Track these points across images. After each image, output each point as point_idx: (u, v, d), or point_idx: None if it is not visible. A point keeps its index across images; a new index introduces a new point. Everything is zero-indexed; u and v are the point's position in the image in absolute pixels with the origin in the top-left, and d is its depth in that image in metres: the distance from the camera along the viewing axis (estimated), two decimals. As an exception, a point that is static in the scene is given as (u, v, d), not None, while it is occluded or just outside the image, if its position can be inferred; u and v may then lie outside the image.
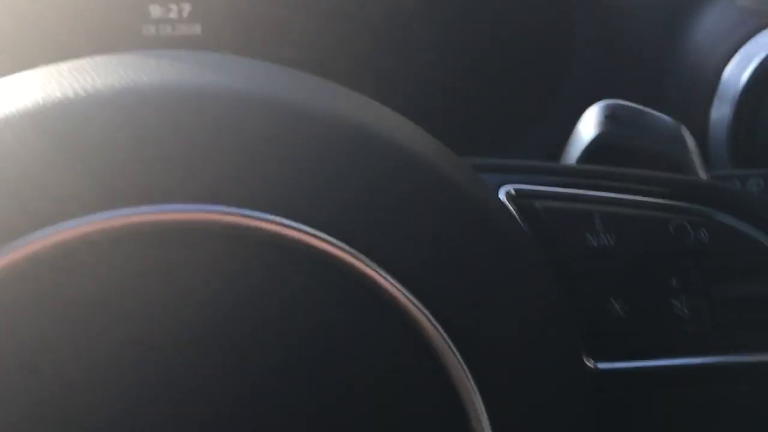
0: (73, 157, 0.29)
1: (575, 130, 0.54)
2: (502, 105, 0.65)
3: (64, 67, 0.33)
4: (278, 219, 0.30)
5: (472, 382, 0.33)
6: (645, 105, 0.54)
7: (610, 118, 0.53)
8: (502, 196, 0.42)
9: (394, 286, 0.32)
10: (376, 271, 0.31)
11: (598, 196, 0.42)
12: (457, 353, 0.33)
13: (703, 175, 0.52)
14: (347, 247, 0.31)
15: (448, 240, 0.34)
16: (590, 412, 0.38)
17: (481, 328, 0.34)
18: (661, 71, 0.64)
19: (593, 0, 0.65)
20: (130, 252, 0.29)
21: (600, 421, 0.39)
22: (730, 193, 0.43)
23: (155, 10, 0.64)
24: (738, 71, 0.60)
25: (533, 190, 0.42)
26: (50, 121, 0.30)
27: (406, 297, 0.32)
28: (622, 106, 0.53)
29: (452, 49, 0.65)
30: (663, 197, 0.43)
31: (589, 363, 0.39)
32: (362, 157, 0.32)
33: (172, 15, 0.64)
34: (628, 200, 0.42)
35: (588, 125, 0.53)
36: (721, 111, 0.61)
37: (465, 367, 0.33)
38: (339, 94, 0.35)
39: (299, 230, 0.30)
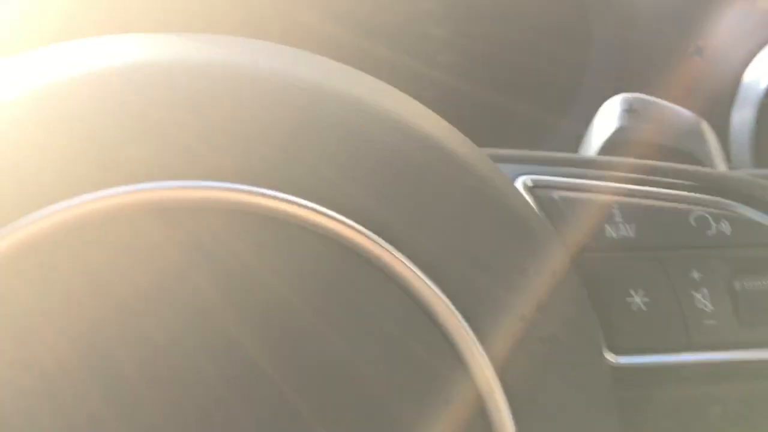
0: (73, 137, 0.28)
1: (593, 123, 0.53)
2: (522, 103, 0.65)
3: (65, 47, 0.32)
4: (302, 201, 0.29)
5: (492, 373, 0.32)
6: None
7: (629, 112, 0.52)
8: (519, 186, 0.41)
9: (415, 273, 0.31)
10: (394, 255, 0.31)
11: (617, 188, 0.41)
12: (477, 343, 0.32)
13: (723, 168, 0.51)
14: (364, 230, 0.30)
15: (463, 224, 0.33)
16: (611, 407, 0.37)
17: (499, 316, 0.33)
18: (681, 75, 0.63)
19: (610, 3, 0.65)
20: (137, 229, 0.29)
21: (621, 416, 0.38)
22: (751, 185, 0.42)
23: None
24: (759, 74, 0.59)
25: (551, 181, 0.42)
26: (61, 98, 0.29)
27: (426, 284, 0.31)
28: (642, 99, 0.53)
29: (472, 50, 0.65)
30: (683, 189, 0.42)
31: (610, 357, 0.38)
32: (378, 139, 0.32)
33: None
34: (648, 192, 0.42)
35: (607, 119, 0.53)
36: (742, 114, 0.60)
37: (485, 358, 0.32)
38: (352, 75, 0.35)
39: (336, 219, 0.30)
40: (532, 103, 0.64)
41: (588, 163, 0.43)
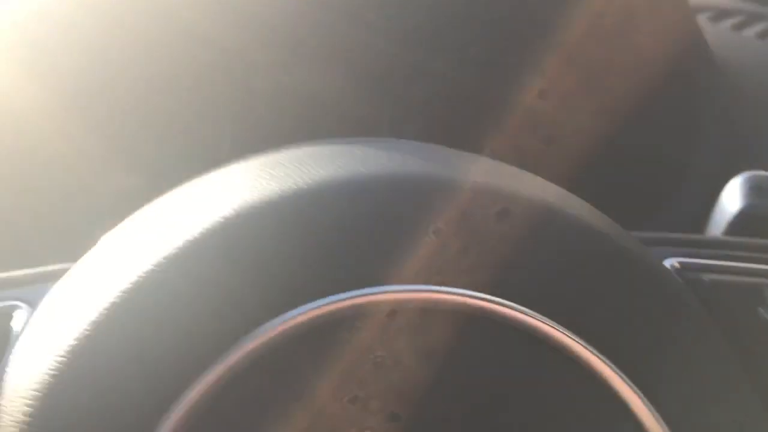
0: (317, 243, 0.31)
1: (719, 201, 0.54)
2: (634, 182, 0.66)
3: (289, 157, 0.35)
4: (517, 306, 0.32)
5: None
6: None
7: (755, 189, 0.53)
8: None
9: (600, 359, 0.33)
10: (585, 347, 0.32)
11: (766, 269, 0.42)
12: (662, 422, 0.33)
13: None
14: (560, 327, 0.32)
15: (640, 315, 0.35)
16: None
17: (676, 394, 0.34)
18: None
19: (718, 78, 0.66)
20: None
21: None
22: None
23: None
24: None
25: (699, 264, 0.42)
26: (295, 208, 0.32)
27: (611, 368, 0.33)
28: (766, 176, 0.53)
29: (587, 131, 0.66)
30: None
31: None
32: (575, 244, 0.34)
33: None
34: (797, 273, 0.42)
35: (732, 197, 0.53)
36: None
37: None
38: (539, 183, 0.37)
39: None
40: (646, 184, 0.65)
41: (734, 245, 0.44)
